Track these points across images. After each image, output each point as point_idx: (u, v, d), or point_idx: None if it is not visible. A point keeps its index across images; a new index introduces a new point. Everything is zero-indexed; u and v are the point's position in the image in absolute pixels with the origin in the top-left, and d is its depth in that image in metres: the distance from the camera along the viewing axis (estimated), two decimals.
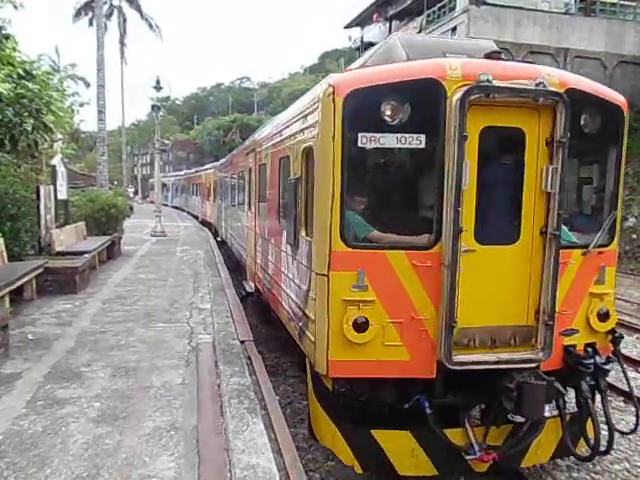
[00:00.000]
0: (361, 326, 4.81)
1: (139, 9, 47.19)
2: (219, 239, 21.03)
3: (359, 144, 4.85)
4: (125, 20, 48.64)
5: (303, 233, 5.81)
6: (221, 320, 8.51)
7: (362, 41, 37.95)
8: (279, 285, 7.36)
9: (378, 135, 4.84)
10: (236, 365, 6.41)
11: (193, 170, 42.29)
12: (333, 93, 4.83)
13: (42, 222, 11.96)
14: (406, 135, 4.84)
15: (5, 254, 9.63)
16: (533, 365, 5.00)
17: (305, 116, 5.82)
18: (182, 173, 51.63)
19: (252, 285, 10.66)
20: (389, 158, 5.54)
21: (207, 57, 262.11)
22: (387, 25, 36.57)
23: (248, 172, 11.49)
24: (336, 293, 4.87)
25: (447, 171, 4.77)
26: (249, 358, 6.83)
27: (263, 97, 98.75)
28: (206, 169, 31.50)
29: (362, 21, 40.20)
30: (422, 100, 4.88)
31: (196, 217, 34.72)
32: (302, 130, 5.96)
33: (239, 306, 9.72)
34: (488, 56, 5.34)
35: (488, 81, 4.68)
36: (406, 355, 4.92)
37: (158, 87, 23.05)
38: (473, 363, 4.90)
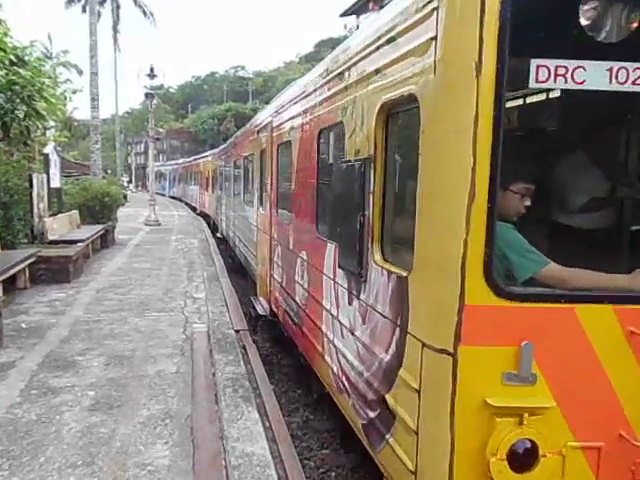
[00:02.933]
0: (525, 459, 2.55)
1: None
2: (219, 235, 18.45)
3: (532, 82, 2.51)
4: (119, 7, 48.10)
5: (378, 257, 3.45)
6: (216, 309, 8.51)
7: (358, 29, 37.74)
8: (318, 327, 4.94)
9: (571, 64, 2.48)
10: (231, 354, 6.42)
11: (191, 158, 40.76)
12: None
13: (35, 210, 11.90)
14: (627, 66, 2.47)
15: None
16: None
17: (391, 40, 3.16)
18: (180, 162, 49.94)
19: (266, 306, 8.06)
20: (587, 112, 3.19)
21: (201, 45, 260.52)
22: None
23: (259, 156, 8.99)
24: (472, 389, 2.57)
25: None
26: (244, 347, 6.84)
27: (258, 86, 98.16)
28: (204, 156, 29.72)
29: (358, 9, 39.94)
30: None
31: (194, 208, 33.60)
32: (380, 70, 3.34)
33: (234, 295, 9.72)
34: None
35: None
36: None
37: (152, 75, 22.89)
38: None
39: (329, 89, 4.65)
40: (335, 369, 4.40)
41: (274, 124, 7.55)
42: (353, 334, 3.91)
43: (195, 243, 17.00)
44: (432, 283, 2.74)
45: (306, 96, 5.60)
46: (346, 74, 4.13)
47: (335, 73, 4.45)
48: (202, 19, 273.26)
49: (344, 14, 42.98)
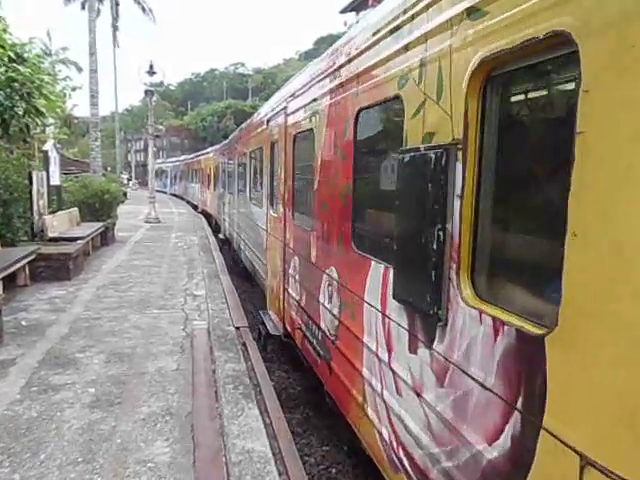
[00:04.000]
0: None
1: None
2: (221, 236, 17.84)
3: None
4: (118, 3, 47.88)
5: (468, 293, 2.45)
6: (216, 306, 8.51)
7: None
8: (356, 369, 3.94)
9: None
10: (231, 351, 6.43)
11: (192, 155, 40.16)
12: None
13: (35, 208, 11.90)
14: None
15: None
16: None
17: None
18: (181, 158, 49.46)
19: (279, 324, 7.13)
20: None
21: (201, 42, 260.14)
22: None
23: (269, 149, 7.92)
24: None
25: None
26: (244, 344, 6.84)
27: (258, 83, 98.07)
28: (205, 153, 28.80)
29: (357, 6, 39.86)
30: None
31: (195, 207, 33.10)
32: (479, 7, 2.27)
33: (234, 292, 9.72)
34: None
35: None
36: None
37: (152, 72, 22.84)
38: None
39: (374, 55, 3.49)
40: (385, 434, 3.33)
41: (289, 110, 6.36)
42: (419, 395, 2.88)
43: (195, 240, 17.00)
44: (614, 356, 1.62)
45: (336, 70, 4.34)
46: (406, 28, 2.97)
47: (385, 30, 3.26)
48: (202, 16, 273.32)
49: (344, 11, 42.91)
